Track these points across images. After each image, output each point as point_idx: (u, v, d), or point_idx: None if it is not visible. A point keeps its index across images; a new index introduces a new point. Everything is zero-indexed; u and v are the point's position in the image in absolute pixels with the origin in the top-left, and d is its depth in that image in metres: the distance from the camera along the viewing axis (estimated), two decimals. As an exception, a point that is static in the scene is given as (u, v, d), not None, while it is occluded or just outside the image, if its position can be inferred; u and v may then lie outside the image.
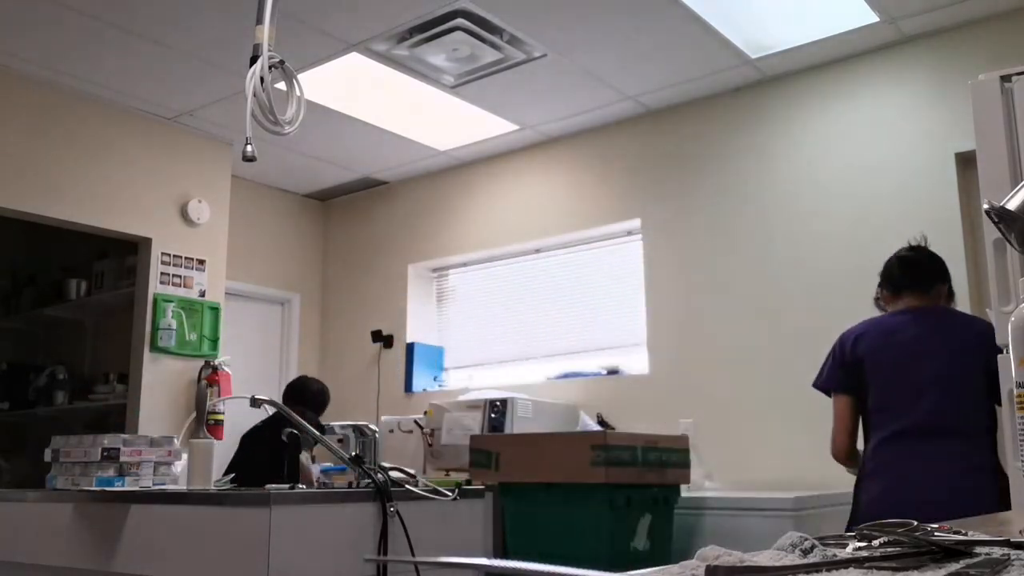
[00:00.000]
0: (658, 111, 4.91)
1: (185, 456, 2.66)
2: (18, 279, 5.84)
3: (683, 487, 3.79)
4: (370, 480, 2.21)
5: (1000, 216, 1.05)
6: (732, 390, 4.41)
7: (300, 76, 2.13)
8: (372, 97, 4.77)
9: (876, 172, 4.15)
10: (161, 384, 4.90)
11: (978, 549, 0.59)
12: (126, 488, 2.46)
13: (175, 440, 2.74)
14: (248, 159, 2.04)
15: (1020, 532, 0.64)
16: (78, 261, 5.52)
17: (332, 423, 2.61)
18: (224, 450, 4.22)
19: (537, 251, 5.47)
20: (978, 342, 2.48)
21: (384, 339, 5.89)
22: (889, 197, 4.10)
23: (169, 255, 5.01)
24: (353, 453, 2.28)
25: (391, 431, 4.56)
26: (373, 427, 2.34)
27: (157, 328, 4.89)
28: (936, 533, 0.64)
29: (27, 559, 2.59)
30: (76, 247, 5.40)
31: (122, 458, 2.49)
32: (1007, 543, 0.61)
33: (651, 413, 4.57)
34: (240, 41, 4.07)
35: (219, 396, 4.74)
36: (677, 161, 4.82)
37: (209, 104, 4.84)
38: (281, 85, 2.08)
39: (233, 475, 3.01)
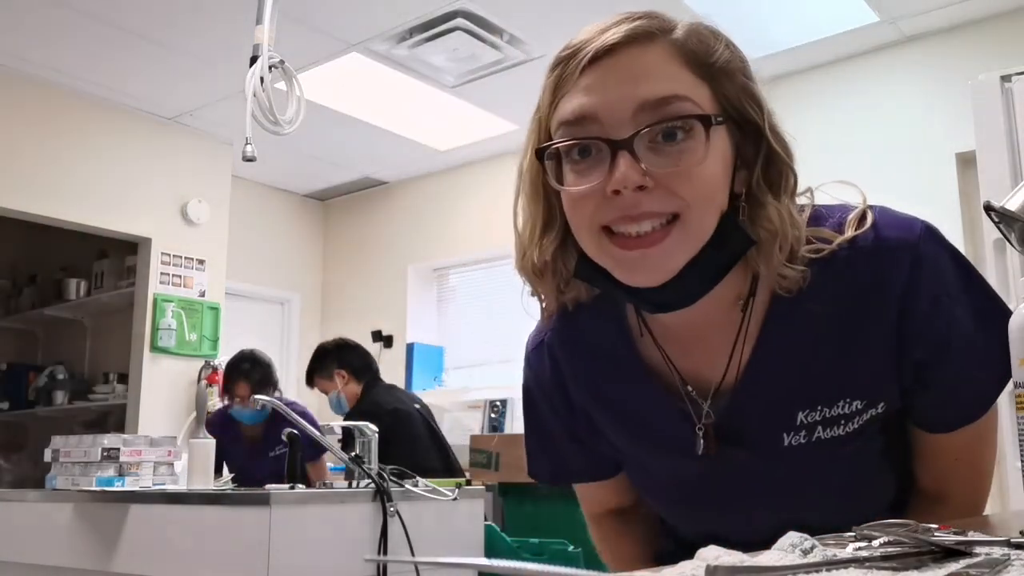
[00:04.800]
0: (658, 111, 4.90)
1: (185, 456, 2.66)
2: (18, 279, 5.84)
3: (683, 487, 3.79)
4: (370, 480, 2.21)
5: (1000, 216, 1.05)
6: (732, 390, 4.40)
7: (300, 76, 2.13)
8: (372, 97, 4.77)
9: (876, 172, 4.15)
10: (161, 384, 4.90)
11: (978, 549, 0.59)
12: (126, 488, 2.46)
13: (175, 440, 2.75)
14: (248, 159, 2.05)
15: (1020, 532, 0.64)
16: (78, 261, 5.52)
17: (332, 423, 2.61)
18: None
19: (537, 251, 5.46)
20: None
21: (384, 339, 5.89)
22: (889, 197, 4.09)
23: (169, 255, 5.01)
24: (353, 453, 2.28)
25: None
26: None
27: (157, 328, 4.88)
28: (936, 533, 0.64)
29: (27, 559, 2.59)
30: (76, 247, 5.40)
31: (122, 458, 2.49)
32: (1007, 543, 0.61)
33: (651, 413, 4.56)
34: (240, 41, 4.05)
35: (219, 396, 4.73)
36: (677, 161, 4.81)
37: (209, 104, 4.84)
38: (281, 85, 2.08)
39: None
